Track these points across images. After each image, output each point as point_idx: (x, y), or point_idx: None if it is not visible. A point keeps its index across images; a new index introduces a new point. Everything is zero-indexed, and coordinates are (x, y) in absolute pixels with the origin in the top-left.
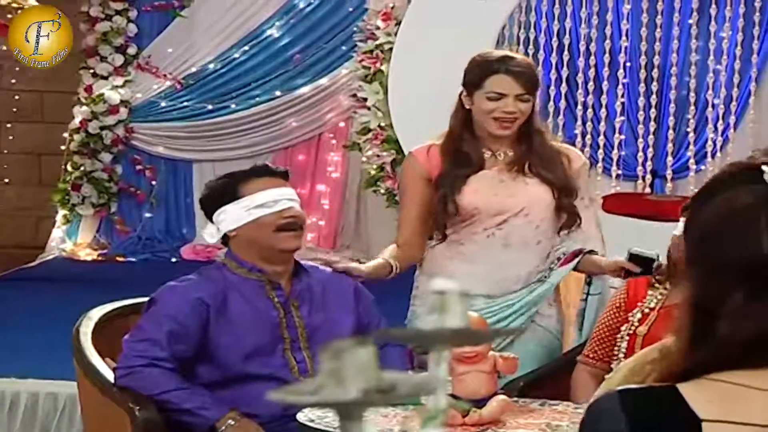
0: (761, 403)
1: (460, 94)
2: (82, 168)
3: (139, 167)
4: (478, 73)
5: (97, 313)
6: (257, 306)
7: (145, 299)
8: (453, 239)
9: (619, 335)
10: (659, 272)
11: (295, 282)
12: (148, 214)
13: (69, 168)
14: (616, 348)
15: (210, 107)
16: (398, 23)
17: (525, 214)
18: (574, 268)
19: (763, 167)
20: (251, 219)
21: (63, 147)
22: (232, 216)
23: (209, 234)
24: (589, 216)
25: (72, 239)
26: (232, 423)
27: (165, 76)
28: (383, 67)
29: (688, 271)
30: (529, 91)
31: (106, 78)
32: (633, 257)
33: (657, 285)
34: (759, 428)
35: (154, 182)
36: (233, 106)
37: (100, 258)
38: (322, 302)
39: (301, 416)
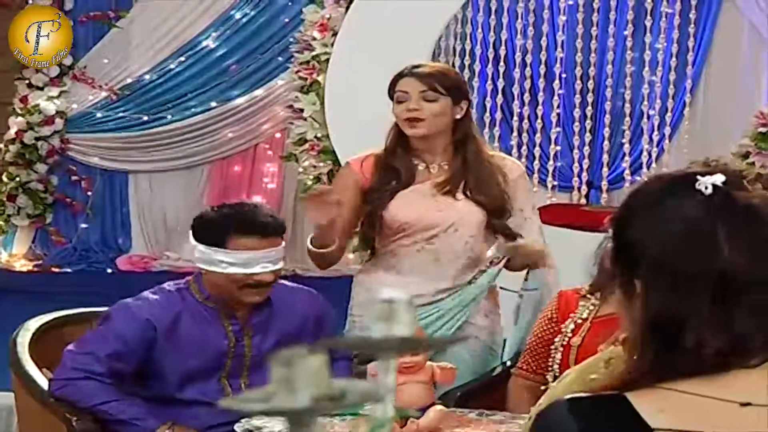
0: (712, 410)
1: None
2: (17, 179)
3: (74, 178)
4: (393, 79)
5: (34, 324)
6: (208, 333)
7: (82, 310)
8: (385, 252)
9: (552, 347)
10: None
11: (254, 313)
12: (83, 225)
13: (4, 179)
14: (550, 359)
15: (146, 118)
16: (335, 34)
17: (455, 229)
18: (509, 268)
19: (699, 177)
20: (222, 272)
21: None
22: (206, 258)
23: (191, 247)
24: (531, 226)
25: (7, 250)
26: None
27: (101, 86)
28: (320, 78)
29: (630, 285)
30: (435, 90)
31: (41, 89)
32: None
33: (588, 296)
34: None
35: (89, 193)
36: (169, 117)
37: (35, 269)
38: (279, 329)
39: (239, 427)
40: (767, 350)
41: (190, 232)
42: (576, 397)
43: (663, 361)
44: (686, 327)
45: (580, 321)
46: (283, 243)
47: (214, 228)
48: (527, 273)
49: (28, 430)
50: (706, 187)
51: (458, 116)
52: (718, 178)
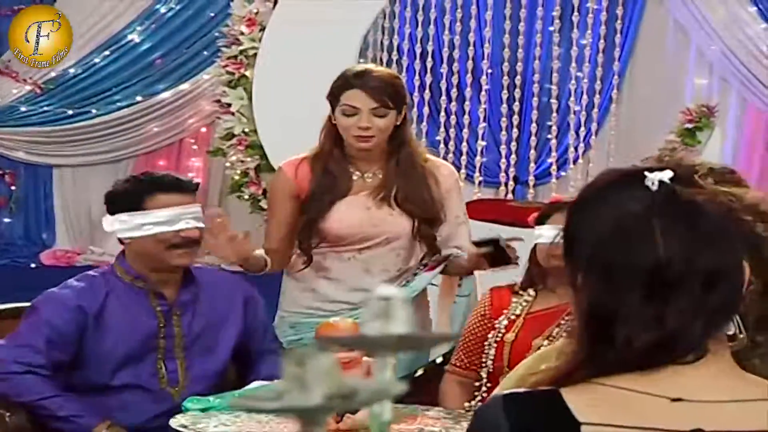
0: (644, 407)
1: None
2: None
3: None
4: (336, 87)
5: None
6: (137, 314)
7: (5, 306)
8: (316, 254)
9: (486, 343)
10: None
11: (181, 291)
12: (7, 219)
13: None
14: (483, 356)
15: (70, 112)
16: (262, 29)
17: (387, 242)
18: (446, 273)
19: (646, 173)
20: (146, 234)
21: None
22: (129, 225)
23: (107, 222)
24: (464, 231)
25: None
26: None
27: (25, 80)
28: (247, 73)
29: (576, 278)
30: (386, 105)
31: None
32: (479, 243)
33: (521, 292)
34: (639, 431)
35: (13, 187)
36: (94, 111)
37: None
38: (208, 310)
39: (174, 422)
40: (702, 347)
41: (105, 209)
42: (512, 392)
43: (596, 356)
44: (617, 321)
45: (513, 317)
46: (200, 206)
47: (129, 193)
48: (460, 279)
49: None
50: (653, 183)
51: (398, 123)
52: (666, 174)
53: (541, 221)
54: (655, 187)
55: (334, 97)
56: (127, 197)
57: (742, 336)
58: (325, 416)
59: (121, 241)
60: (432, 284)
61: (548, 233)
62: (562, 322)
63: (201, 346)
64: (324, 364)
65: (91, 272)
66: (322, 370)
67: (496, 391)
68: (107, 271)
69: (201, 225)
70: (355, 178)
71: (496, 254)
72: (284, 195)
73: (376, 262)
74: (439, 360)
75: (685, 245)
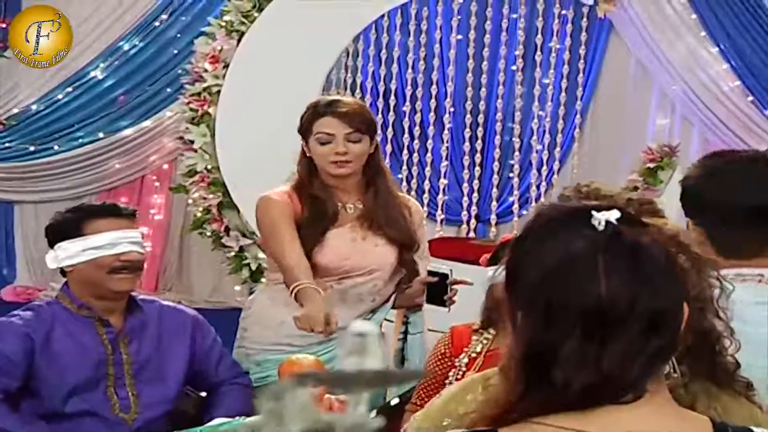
0: None
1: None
2: None
3: None
4: (308, 118)
5: None
6: (83, 342)
7: None
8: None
9: (447, 381)
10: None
11: (128, 318)
12: None
13: None
14: None
15: (32, 148)
16: (226, 66)
17: (369, 273)
18: (393, 306)
19: (593, 212)
20: (87, 259)
21: None
22: (69, 253)
23: (51, 258)
24: (425, 266)
25: None
26: None
27: None
28: (210, 110)
29: (516, 316)
30: (359, 131)
31: None
32: (430, 273)
33: (481, 330)
34: None
35: None
36: (56, 147)
37: None
38: (155, 337)
39: None
40: (640, 387)
41: (47, 242)
42: None
43: (534, 395)
44: (556, 362)
45: (474, 355)
46: (140, 232)
47: (65, 223)
48: (405, 317)
49: None
50: (599, 223)
51: (371, 151)
52: (613, 215)
53: (494, 261)
54: (601, 227)
55: (306, 128)
56: (65, 226)
57: (675, 375)
58: None
59: (62, 272)
60: (387, 320)
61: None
62: None
63: (150, 373)
64: (300, 399)
65: (36, 302)
66: (299, 405)
67: (422, 414)
68: (53, 301)
69: (140, 250)
70: (339, 208)
71: (436, 291)
72: (285, 212)
73: (351, 292)
74: (394, 401)
75: (628, 287)
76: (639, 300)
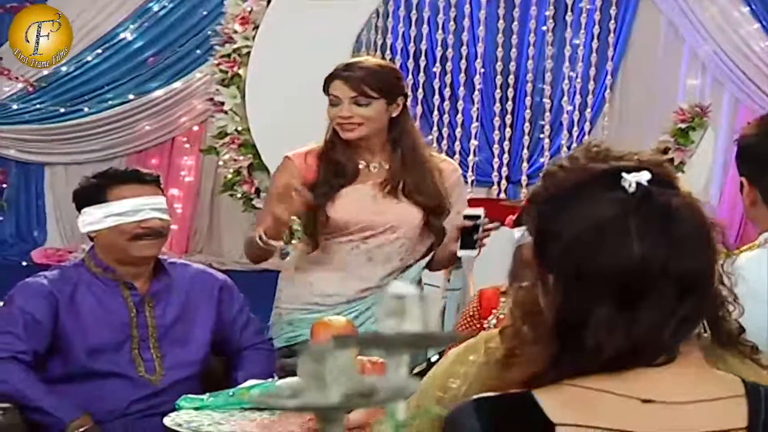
0: (617, 408)
1: None
2: None
3: None
4: (325, 79)
5: None
6: (108, 304)
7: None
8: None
9: None
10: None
11: (153, 282)
12: None
13: None
14: None
15: (62, 110)
16: (256, 27)
17: (392, 231)
18: (431, 269)
19: (624, 174)
20: (110, 225)
21: None
22: (93, 218)
23: (80, 222)
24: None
25: None
26: (83, 430)
27: (17, 78)
28: (241, 71)
29: (546, 280)
30: (365, 95)
31: None
32: (464, 216)
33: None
34: None
35: (5, 185)
36: (86, 109)
37: None
38: (181, 301)
39: (168, 421)
40: (672, 350)
41: (74, 207)
42: (482, 396)
43: (566, 358)
44: (586, 327)
45: (502, 316)
46: (164, 198)
47: (91, 188)
48: (450, 273)
49: None
50: (630, 185)
51: (394, 114)
52: (644, 176)
53: (520, 222)
54: (631, 189)
55: (325, 89)
56: (90, 191)
57: (706, 335)
58: (344, 414)
59: (90, 236)
60: (428, 284)
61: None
62: None
63: (175, 337)
64: (342, 362)
65: (63, 263)
66: (340, 367)
67: (425, 383)
68: (79, 263)
69: (164, 216)
70: (360, 167)
71: (468, 235)
72: (288, 177)
73: (379, 252)
74: (434, 358)
75: (660, 249)
76: (671, 263)
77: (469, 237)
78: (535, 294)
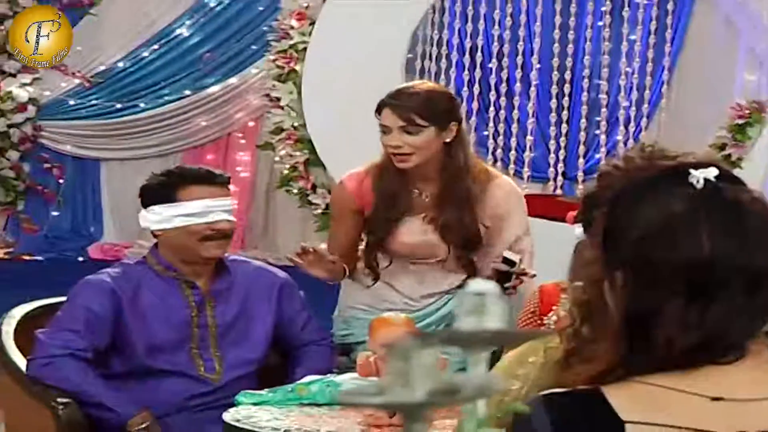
0: (685, 406)
1: None
2: None
3: (46, 165)
4: (377, 106)
5: (18, 312)
6: (170, 303)
7: (53, 300)
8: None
9: None
10: (519, 273)
11: (214, 281)
12: (55, 213)
13: None
14: None
15: (119, 106)
16: (312, 23)
17: (439, 262)
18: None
19: (691, 170)
20: (178, 226)
21: None
22: (161, 217)
23: (142, 218)
24: (522, 247)
25: None
26: (143, 426)
27: (74, 74)
28: (297, 67)
29: (614, 277)
30: (414, 123)
31: (14, 75)
32: (504, 259)
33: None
34: (681, 430)
35: (61, 181)
36: (142, 105)
37: (6, 256)
38: (241, 301)
39: (227, 416)
40: (741, 346)
41: (140, 202)
42: (551, 392)
43: (636, 354)
44: (658, 322)
45: (563, 313)
46: (232, 199)
47: (162, 186)
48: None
49: (14, 418)
50: (698, 181)
51: (447, 139)
52: (711, 172)
53: (580, 218)
54: (700, 185)
55: (377, 115)
56: (159, 189)
57: None
58: (429, 412)
59: (153, 233)
60: None
61: None
62: None
63: (234, 335)
64: (427, 360)
65: (125, 260)
66: (425, 365)
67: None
68: (141, 261)
69: (232, 218)
70: (414, 195)
71: (504, 277)
72: (345, 209)
73: (427, 275)
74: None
75: (730, 245)
76: (741, 257)
77: (505, 278)
78: (597, 293)
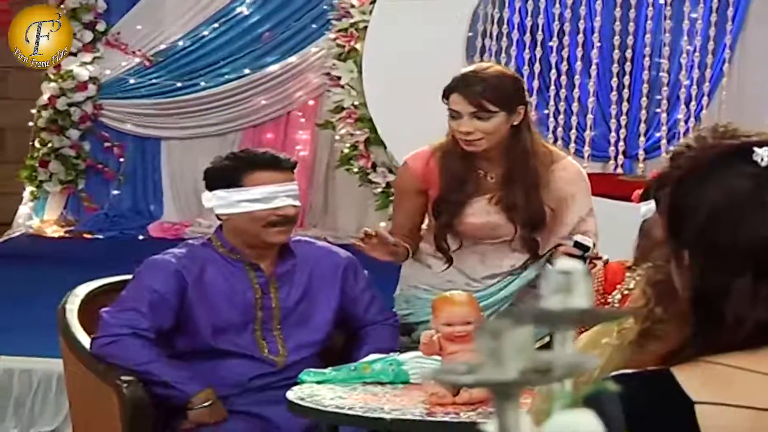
0: (755, 386)
1: None
2: (49, 144)
3: (107, 144)
4: (445, 90)
5: (82, 290)
6: (234, 285)
7: (115, 279)
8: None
9: None
10: (592, 258)
11: (278, 264)
12: (115, 192)
13: (37, 144)
14: None
15: (179, 84)
16: (373, 1)
17: (503, 243)
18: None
19: (755, 149)
20: (243, 211)
21: (30, 123)
22: (226, 202)
23: (206, 199)
24: (587, 228)
25: (39, 216)
26: (207, 404)
27: (134, 53)
28: (357, 46)
29: (681, 257)
30: (485, 109)
31: (74, 54)
32: (576, 243)
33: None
34: (753, 411)
35: (122, 159)
36: (202, 83)
37: (67, 235)
38: (305, 283)
39: (291, 394)
40: None
41: (204, 184)
42: (621, 373)
43: (705, 334)
44: (727, 300)
45: (627, 292)
46: (297, 184)
47: (227, 170)
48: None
49: (78, 397)
50: (762, 159)
51: (515, 123)
52: None
53: (646, 197)
54: (764, 163)
55: (444, 99)
56: (225, 174)
57: None
58: (521, 391)
59: (218, 216)
60: None
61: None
62: None
63: (297, 318)
64: (519, 339)
65: (191, 241)
66: (517, 344)
67: None
68: (206, 242)
69: (297, 203)
70: (480, 176)
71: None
72: (409, 191)
73: (491, 255)
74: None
75: None
76: None
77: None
78: (668, 272)
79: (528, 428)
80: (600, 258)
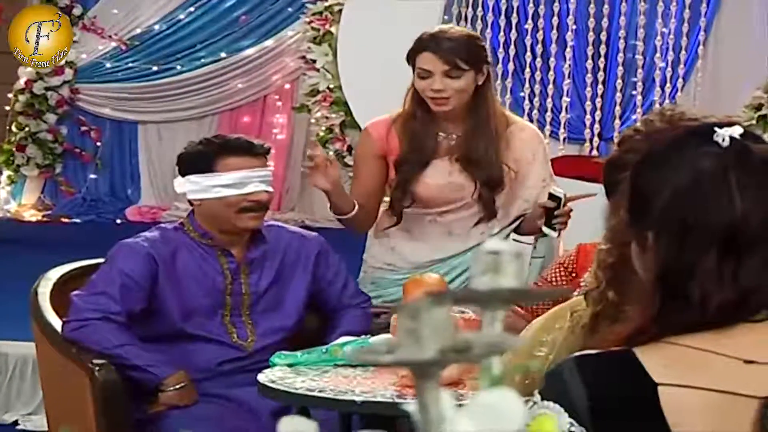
0: (717, 367)
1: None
2: (26, 129)
3: (84, 128)
4: (411, 50)
5: (54, 274)
6: (205, 270)
7: (91, 261)
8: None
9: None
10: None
11: (250, 249)
12: (93, 176)
13: (14, 128)
14: None
15: (155, 68)
16: None
17: (467, 207)
18: (519, 232)
19: (716, 129)
20: (215, 196)
21: (7, 108)
22: (199, 187)
23: (179, 184)
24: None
25: (16, 200)
26: (179, 387)
27: (110, 37)
28: (332, 29)
29: (644, 237)
30: (457, 67)
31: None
32: (549, 196)
33: None
34: (716, 393)
35: (99, 143)
36: (179, 67)
37: (44, 219)
38: (276, 268)
39: (262, 377)
40: None
41: (177, 170)
42: (584, 354)
43: (669, 314)
44: (692, 279)
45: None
46: (271, 167)
47: (200, 155)
48: (536, 240)
49: (50, 380)
50: (723, 139)
51: (479, 82)
52: (736, 130)
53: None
54: (725, 143)
55: (410, 60)
56: (198, 159)
57: None
58: (440, 370)
59: (190, 201)
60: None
61: None
62: None
63: (267, 304)
64: (438, 318)
65: (163, 225)
66: (437, 324)
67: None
68: (178, 227)
69: (270, 189)
70: (440, 139)
71: (551, 214)
72: (369, 156)
73: (456, 225)
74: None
75: (762, 202)
76: None
77: (552, 215)
78: (619, 255)
79: (449, 406)
80: (587, 195)
